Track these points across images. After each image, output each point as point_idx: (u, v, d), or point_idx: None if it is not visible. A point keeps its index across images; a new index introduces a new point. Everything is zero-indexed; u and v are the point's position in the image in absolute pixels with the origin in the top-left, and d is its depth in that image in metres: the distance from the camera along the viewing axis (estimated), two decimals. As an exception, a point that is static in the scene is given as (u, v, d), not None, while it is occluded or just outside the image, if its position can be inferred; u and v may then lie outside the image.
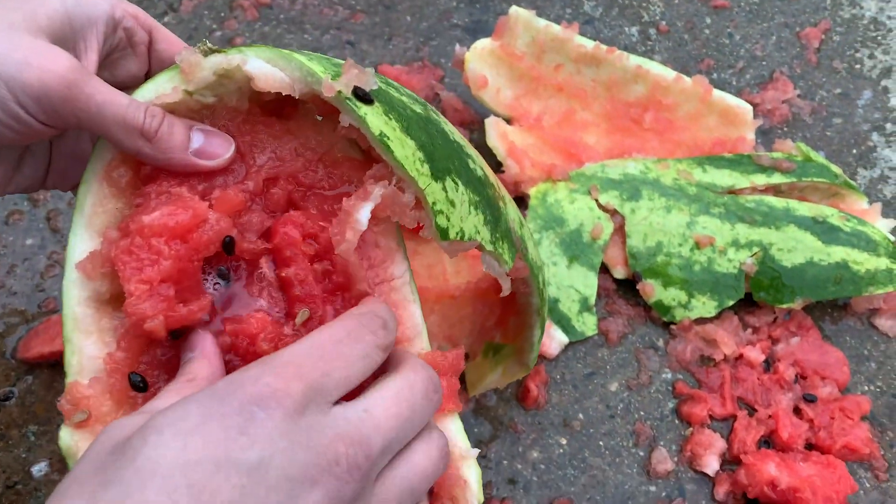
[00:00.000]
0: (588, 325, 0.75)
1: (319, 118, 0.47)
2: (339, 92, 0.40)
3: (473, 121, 0.89)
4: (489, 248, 0.47)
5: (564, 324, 0.75)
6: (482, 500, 0.44)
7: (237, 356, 0.42)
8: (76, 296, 0.41)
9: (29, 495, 0.67)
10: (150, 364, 0.42)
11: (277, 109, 0.47)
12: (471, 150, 0.52)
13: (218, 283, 0.43)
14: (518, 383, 0.73)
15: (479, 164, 0.51)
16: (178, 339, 0.42)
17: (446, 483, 0.43)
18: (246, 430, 0.30)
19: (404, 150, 0.42)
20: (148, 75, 0.48)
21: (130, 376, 0.41)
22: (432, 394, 0.38)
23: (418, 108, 0.47)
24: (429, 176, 0.43)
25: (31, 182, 0.47)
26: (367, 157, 0.46)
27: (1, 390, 0.71)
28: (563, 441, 0.71)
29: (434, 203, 0.43)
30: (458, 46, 0.84)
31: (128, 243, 0.40)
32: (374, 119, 0.41)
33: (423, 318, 0.47)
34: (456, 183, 0.45)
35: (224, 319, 0.42)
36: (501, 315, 0.66)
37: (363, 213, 0.41)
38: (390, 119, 0.43)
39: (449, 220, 0.44)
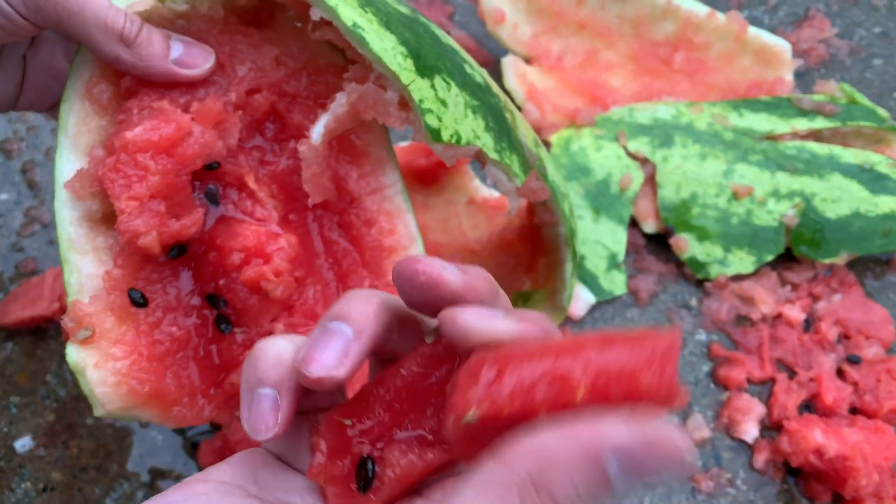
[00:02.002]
0: (617, 283, 0.70)
1: (299, 24, 0.44)
2: None
3: (487, 61, 0.82)
4: (493, 156, 0.43)
5: (591, 282, 0.69)
6: None
7: (227, 272, 0.42)
8: (68, 216, 0.41)
9: (12, 472, 0.61)
10: (148, 280, 0.42)
11: (255, 19, 0.45)
12: (469, 58, 0.48)
13: (207, 204, 0.43)
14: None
15: (479, 72, 0.48)
16: (174, 259, 0.42)
17: None
18: None
19: (382, 43, 0.39)
20: None
21: (130, 293, 0.41)
22: None
23: (403, 9, 0.45)
24: (413, 72, 0.40)
25: (4, 97, 0.46)
26: (350, 63, 0.44)
27: (-22, 359, 0.65)
28: (592, 408, 0.66)
29: (421, 101, 0.40)
30: (472, -22, 0.77)
31: (114, 161, 0.39)
32: (347, 10, 0.39)
33: (417, 228, 0.46)
34: (447, 83, 0.42)
35: (213, 232, 0.42)
36: (530, 261, 0.61)
37: (316, 130, 0.41)
38: (366, 12, 0.40)
39: (441, 121, 0.41)
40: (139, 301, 0.41)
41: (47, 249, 0.71)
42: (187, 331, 0.42)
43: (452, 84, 0.43)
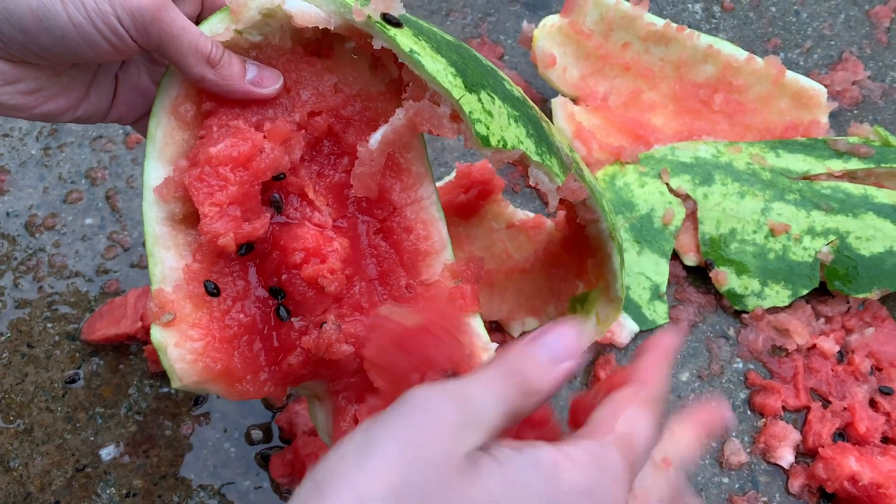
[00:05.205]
0: (659, 313, 0.74)
1: (355, 56, 0.51)
2: (369, 16, 0.44)
3: (536, 100, 0.87)
4: (535, 158, 0.48)
5: (635, 312, 0.73)
6: None
7: (289, 268, 0.47)
8: (154, 216, 0.47)
9: (98, 479, 0.66)
10: (221, 273, 0.48)
11: (318, 49, 0.51)
12: (506, 76, 0.54)
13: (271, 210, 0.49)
14: (587, 371, 0.72)
15: (517, 88, 0.54)
16: (243, 256, 0.47)
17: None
18: None
19: (435, 65, 0.45)
20: (200, 18, 0.51)
21: (205, 283, 0.47)
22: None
23: (449, 37, 0.51)
24: (462, 88, 0.46)
25: (97, 110, 0.52)
26: (398, 92, 0.50)
27: (67, 373, 0.71)
28: (635, 431, 0.69)
29: (471, 112, 0.45)
30: (525, 23, 0.82)
31: (198, 172, 0.45)
32: (404, 39, 0.45)
33: (448, 234, 0.52)
34: (492, 97, 0.48)
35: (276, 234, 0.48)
36: (578, 265, 0.65)
37: (374, 137, 0.47)
38: (420, 40, 0.46)
39: (488, 129, 0.46)
40: (213, 291, 0.47)
41: (129, 272, 0.76)
42: (252, 318, 0.48)
43: (496, 98, 0.48)
